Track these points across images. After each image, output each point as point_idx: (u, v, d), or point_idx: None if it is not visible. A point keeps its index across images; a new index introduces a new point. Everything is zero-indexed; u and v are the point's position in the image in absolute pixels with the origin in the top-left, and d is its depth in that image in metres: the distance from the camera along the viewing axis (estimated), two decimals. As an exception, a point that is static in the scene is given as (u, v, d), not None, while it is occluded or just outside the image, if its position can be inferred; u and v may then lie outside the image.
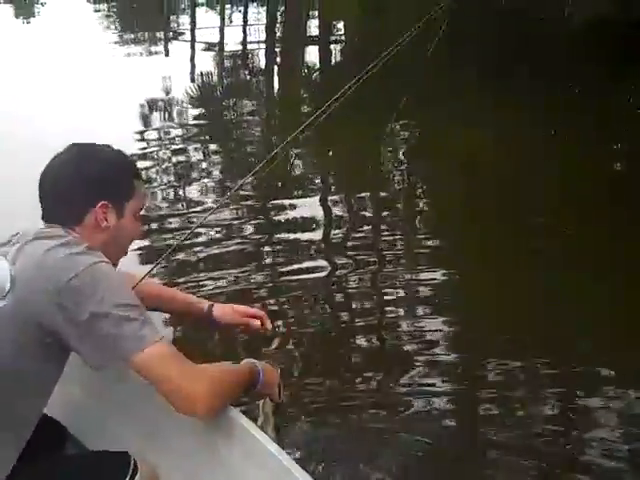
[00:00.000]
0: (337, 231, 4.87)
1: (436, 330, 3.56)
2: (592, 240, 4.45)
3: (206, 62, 10.18)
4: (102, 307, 1.49)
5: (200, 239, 4.48)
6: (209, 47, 11.11)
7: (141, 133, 6.63)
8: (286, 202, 5.07)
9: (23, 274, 1.53)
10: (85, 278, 1.50)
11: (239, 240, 4.55)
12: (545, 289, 3.86)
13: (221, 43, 11.65)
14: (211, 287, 3.90)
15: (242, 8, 14.69)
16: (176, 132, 6.79)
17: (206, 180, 5.63)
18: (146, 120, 7.18)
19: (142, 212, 1.81)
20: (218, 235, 4.58)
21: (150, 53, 10.59)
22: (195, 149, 6.36)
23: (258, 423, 1.92)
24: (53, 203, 1.68)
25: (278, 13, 14.74)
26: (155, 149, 6.29)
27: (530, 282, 3.94)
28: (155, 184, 5.43)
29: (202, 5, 15.72)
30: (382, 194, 5.57)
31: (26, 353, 1.55)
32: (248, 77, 9.70)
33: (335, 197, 5.40)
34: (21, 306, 1.51)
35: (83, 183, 1.67)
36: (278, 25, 13.97)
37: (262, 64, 10.32)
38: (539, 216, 4.93)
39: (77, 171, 1.68)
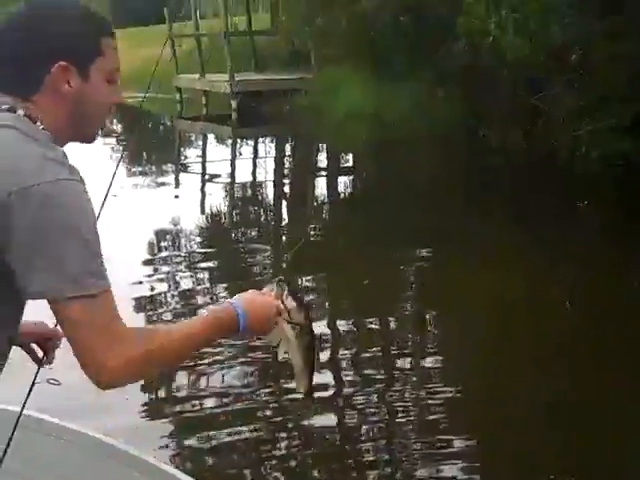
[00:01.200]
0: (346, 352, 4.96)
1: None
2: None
3: (216, 193, 10.26)
4: (62, 228, 1.29)
5: (206, 360, 4.50)
6: (218, 179, 11.34)
7: (150, 262, 6.72)
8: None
9: None
10: (48, 190, 1.29)
11: (245, 359, 4.60)
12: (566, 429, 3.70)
13: (232, 175, 11.86)
14: (215, 404, 4.15)
15: (252, 141, 14.91)
16: (184, 262, 6.90)
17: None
18: (154, 249, 7.31)
19: (118, 74, 1.53)
20: (228, 353, 4.60)
21: (159, 184, 10.80)
22: (202, 279, 6.48)
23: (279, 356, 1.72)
24: (7, 68, 1.44)
25: (288, 145, 14.95)
26: (163, 277, 6.39)
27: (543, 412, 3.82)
28: (162, 310, 5.58)
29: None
30: (393, 325, 5.60)
31: None
32: (256, 208, 9.72)
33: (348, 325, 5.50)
34: None
35: (36, 40, 1.43)
36: (287, 157, 14.11)
37: (270, 196, 10.45)
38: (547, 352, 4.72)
39: (27, 27, 1.44)
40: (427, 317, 5.76)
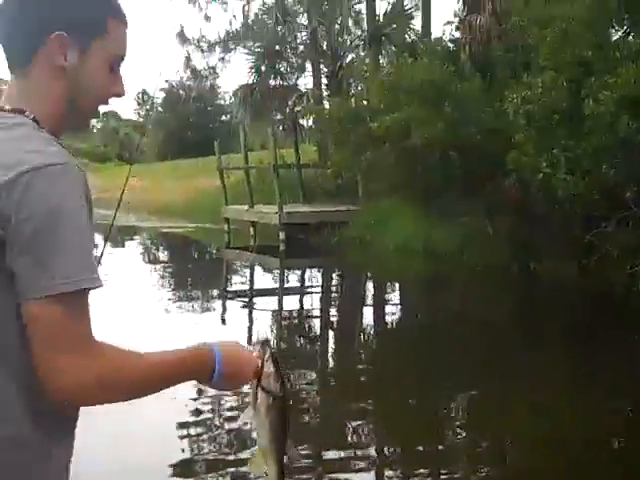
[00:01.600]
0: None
1: None
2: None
3: (262, 321, 10.18)
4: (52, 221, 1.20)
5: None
6: (265, 307, 11.22)
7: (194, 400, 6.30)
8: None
9: None
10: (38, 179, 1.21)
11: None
12: None
13: (279, 304, 11.81)
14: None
15: (299, 272, 14.94)
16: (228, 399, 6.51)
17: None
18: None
19: (121, 63, 1.43)
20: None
21: (205, 310, 10.76)
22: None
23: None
24: (6, 39, 1.36)
25: (335, 276, 14.93)
26: (208, 400, 6.19)
27: None
28: (206, 452, 5.28)
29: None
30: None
31: None
32: (302, 337, 9.53)
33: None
34: None
35: (36, 8, 1.34)
36: (335, 288, 14.05)
37: (317, 325, 10.28)
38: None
39: None
40: (478, 448, 5.54)
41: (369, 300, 12.44)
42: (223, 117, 48.46)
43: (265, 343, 1.54)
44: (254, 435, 1.57)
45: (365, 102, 16.59)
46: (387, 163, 14.95)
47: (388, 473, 5.08)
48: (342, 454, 5.18)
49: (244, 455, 4.93)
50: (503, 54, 13.39)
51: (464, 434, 5.86)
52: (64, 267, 1.21)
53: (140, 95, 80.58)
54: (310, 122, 20.64)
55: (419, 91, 13.05)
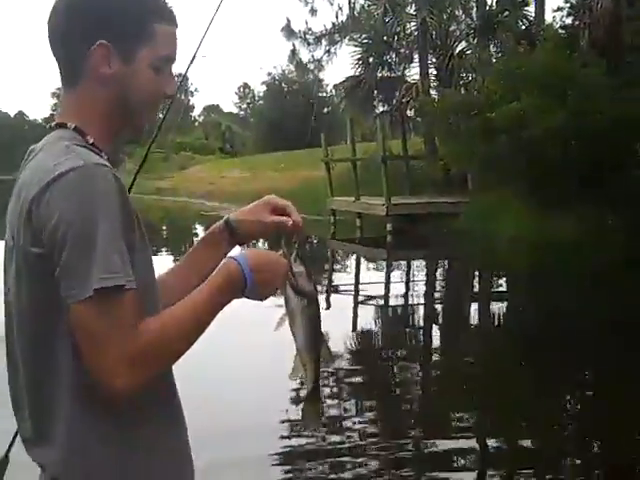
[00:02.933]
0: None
1: None
2: None
3: (367, 313, 10.08)
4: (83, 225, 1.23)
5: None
6: (371, 299, 11.08)
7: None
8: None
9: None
10: (63, 185, 1.25)
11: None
12: None
13: (385, 296, 11.62)
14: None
15: (406, 264, 14.78)
16: (330, 376, 6.48)
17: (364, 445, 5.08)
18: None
19: (169, 64, 1.44)
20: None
21: None
22: (348, 394, 6.15)
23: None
24: (56, 56, 1.40)
25: (443, 269, 14.71)
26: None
27: None
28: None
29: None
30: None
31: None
32: (407, 330, 9.37)
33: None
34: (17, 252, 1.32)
35: (80, 20, 1.36)
36: (443, 281, 13.82)
37: (424, 320, 10.00)
38: None
39: (75, 6, 1.38)
40: (587, 453, 5.22)
41: (479, 293, 12.13)
42: (325, 109, 48.67)
43: (288, 242, 1.50)
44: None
45: (478, 92, 16.24)
46: (501, 154, 14.58)
47: (491, 470, 4.84)
48: (445, 447, 5.01)
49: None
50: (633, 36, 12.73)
51: (574, 436, 5.53)
52: (90, 271, 1.23)
53: (241, 88, 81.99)
54: (418, 114, 20.35)
55: (539, 79, 12.66)
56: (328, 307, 10.39)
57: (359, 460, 4.70)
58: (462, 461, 4.86)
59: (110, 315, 1.24)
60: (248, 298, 1.41)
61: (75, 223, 1.23)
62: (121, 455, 1.33)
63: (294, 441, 4.93)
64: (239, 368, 6.56)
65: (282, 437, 4.96)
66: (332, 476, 4.52)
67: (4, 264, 1.39)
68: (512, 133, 13.37)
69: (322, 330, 1.53)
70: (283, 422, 5.19)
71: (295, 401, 5.53)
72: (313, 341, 1.50)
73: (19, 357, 1.37)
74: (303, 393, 1.60)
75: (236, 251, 1.48)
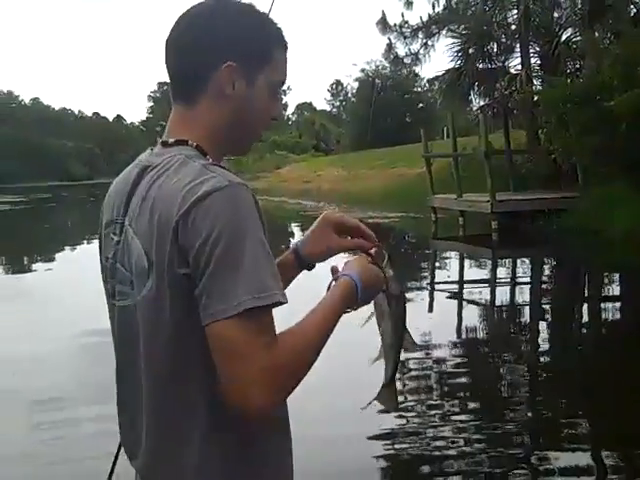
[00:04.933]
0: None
1: None
2: None
3: (471, 314, 9.69)
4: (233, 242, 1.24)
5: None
6: (476, 299, 10.74)
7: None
8: None
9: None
10: (207, 206, 1.26)
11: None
12: None
13: (491, 296, 11.15)
14: None
15: (512, 263, 14.12)
16: (433, 376, 6.44)
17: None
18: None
19: (281, 88, 1.52)
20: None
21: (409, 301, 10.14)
22: (452, 394, 6.04)
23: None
24: (177, 71, 1.44)
25: (552, 268, 13.95)
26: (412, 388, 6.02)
27: None
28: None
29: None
30: None
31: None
32: (514, 331, 8.97)
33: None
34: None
35: (209, 39, 1.40)
36: (551, 281, 13.07)
37: (528, 322, 9.48)
38: None
39: (205, 25, 1.41)
40: None
41: (591, 294, 11.34)
42: (420, 104, 47.96)
43: (381, 247, 1.60)
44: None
45: (588, 80, 15.36)
46: (617, 145, 13.70)
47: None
48: (553, 454, 4.75)
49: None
50: None
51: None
52: (244, 289, 1.23)
53: (334, 86, 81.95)
54: (522, 105, 19.51)
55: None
56: (431, 310, 10.01)
57: (463, 469, 4.54)
58: (570, 466, 4.58)
59: (256, 332, 1.24)
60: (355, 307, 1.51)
61: (223, 241, 1.24)
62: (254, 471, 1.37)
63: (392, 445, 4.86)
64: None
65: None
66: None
67: (108, 270, 1.45)
68: (633, 122, 12.49)
69: (406, 326, 1.65)
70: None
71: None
72: (397, 339, 1.63)
73: (144, 381, 1.38)
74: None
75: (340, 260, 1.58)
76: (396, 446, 4.88)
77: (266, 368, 1.23)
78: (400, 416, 5.29)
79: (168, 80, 1.47)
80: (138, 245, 1.35)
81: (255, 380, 1.22)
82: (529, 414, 5.72)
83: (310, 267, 1.71)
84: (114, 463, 1.82)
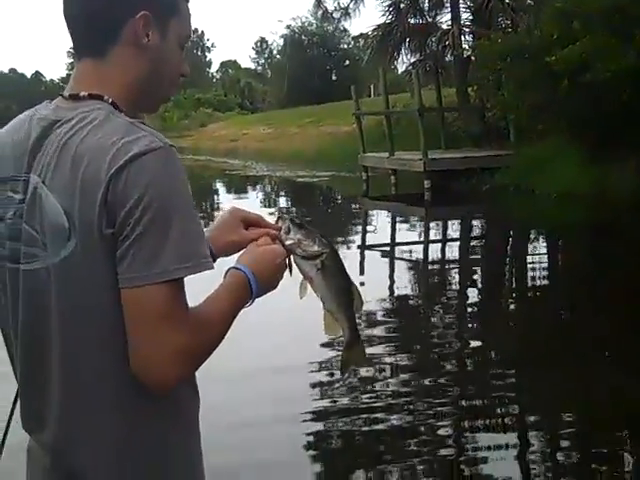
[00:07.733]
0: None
1: None
2: None
3: (403, 276, 9.62)
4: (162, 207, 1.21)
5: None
6: (408, 260, 10.70)
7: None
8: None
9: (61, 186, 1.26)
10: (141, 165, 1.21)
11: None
12: None
13: (424, 256, 11.07)
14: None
15: (445, 222, 13.97)
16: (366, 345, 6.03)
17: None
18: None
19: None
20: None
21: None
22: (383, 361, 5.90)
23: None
24: (85, 21, 1.33)
25: (486, 226, 13.82)
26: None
27: None
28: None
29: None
30: None
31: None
32: (444, 292, 8.81)
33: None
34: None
35: None
36: (484, 239, 12.94)
37: (464, 284, 9.32)
38: None
39: None
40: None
41: (528, 254, 11.13)
42: (347, 62, 47.41)
43: (281, 215, 1.50)
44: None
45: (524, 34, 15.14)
46: (558, 101, 13.53)
47: (532, 432, 4.68)
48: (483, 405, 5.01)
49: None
50: None
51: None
52: (171, 256, 1.21)
53: (258, 43, 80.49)
54: (458, 60, 19.22)
55: (604, 18, 11.59)
56: (362, 271, 9.71)
57: (393, 416, 4.73)
58: (500, 421, 4.77)
59: (173, 302, 1.22)
60: (256, 298, 1.41)
61: (155, 205, 1.20)
62: (164, 433, 1.34)
63: (327, 401, 5.00)
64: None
65: (315, 399, 5.01)
66: (365, 428, 4.63)
67: (7, 231, 1.34)
68: (573, 78, 12.31)
69: (350, 280, 1.51)
70: (314, 386, 5.22)
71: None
72: (340, 297, 1.49)
73: (58, 347, 1.31)
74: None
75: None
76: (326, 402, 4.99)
77: (178, 343, 1.22)
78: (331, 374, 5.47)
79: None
80: (54, 203, 1.27)
81: (164, 354, 1.22)
82: (458, 369, 5.86)
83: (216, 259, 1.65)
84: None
